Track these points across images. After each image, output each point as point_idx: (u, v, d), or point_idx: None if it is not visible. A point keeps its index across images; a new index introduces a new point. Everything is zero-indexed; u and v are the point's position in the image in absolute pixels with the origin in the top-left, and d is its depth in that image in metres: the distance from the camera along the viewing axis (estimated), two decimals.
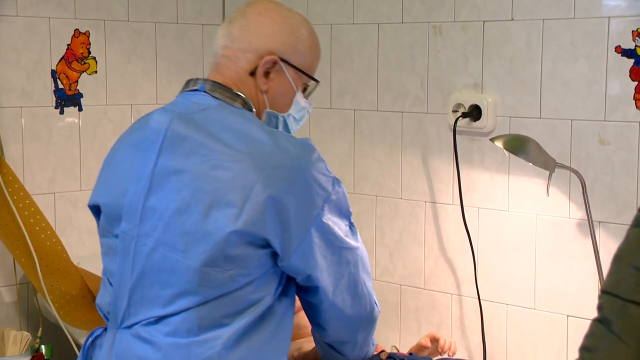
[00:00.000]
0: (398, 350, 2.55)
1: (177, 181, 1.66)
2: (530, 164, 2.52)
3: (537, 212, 2.71)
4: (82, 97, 3.01)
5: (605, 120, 2.56)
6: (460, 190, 2.79)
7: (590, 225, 2.52)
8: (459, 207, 2.80)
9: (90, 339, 1.86)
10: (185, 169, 1.67)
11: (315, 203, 1.67)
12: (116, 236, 1.76)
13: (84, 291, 2.78)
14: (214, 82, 1.80)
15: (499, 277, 2.80)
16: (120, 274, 1.74)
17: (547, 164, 2.52)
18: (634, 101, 2.51)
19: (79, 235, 3.02)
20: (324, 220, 1.69)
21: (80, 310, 2.78)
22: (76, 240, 3.00)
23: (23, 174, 2.88)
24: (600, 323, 1.08)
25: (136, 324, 1.71)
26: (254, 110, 1.80)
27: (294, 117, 1.86)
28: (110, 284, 1.79)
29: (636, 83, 2.50)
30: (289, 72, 1.81)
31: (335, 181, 1.74)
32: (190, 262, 1.63)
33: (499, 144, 2.53)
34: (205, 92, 1.79)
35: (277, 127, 1.84)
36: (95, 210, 1.86)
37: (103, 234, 1.84)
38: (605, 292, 1.08)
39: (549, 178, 2.52)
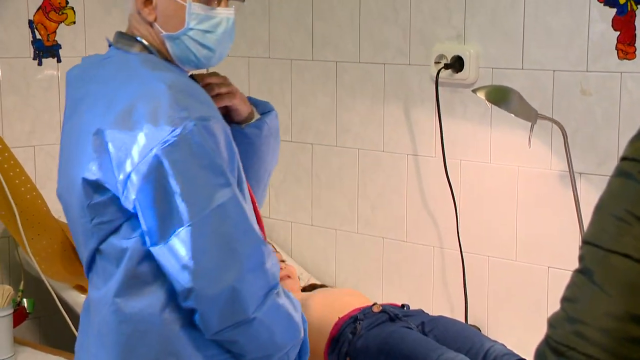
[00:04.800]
0: (380, 308, 2.56)
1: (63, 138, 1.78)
2: (513, 115, 2.51)
3: (519, 164, 2.71)
4: (61, 48, 2.97)
5: (587, 71, 2.55)
6: (443, 142, 2.78)
7: (571, 177, 2.52)
8: (441, 159, 2.80)
9: None
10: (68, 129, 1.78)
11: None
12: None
13: (65, 245, 2.77)
14: (119, 32, 1.77)
15: (480, 230, 2.81)
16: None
17: (529, 115, 2.51)
18: (616, 51, 2.50)
19: None
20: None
21: (62, 263, 2.77)
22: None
23: (2, 126, 2.85)
24: (582, 274, 1.06)
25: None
26: (154, 52, 1.73)
27: (200, 30, 1.72)
28: None
29: (618, 33, 2.49)
30: None
31: (186, 122, 1.60)
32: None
33: (481, 95, 2.52)
34: (111, 45, 1.78)
35: (187, 49, 1.73)
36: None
37: None
38: (586, 243, 1.07)
39: (531, 129, 2.51)
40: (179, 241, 1.57)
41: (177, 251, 1.57)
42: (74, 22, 2.99)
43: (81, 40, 3.01)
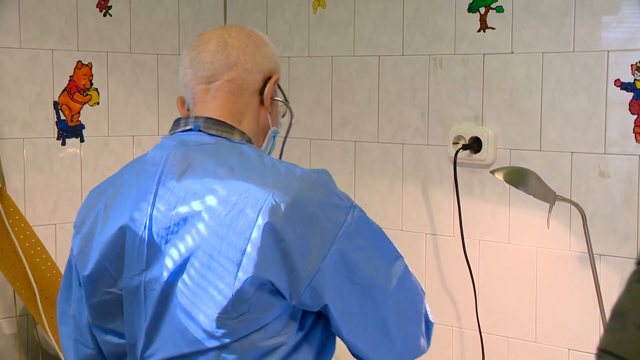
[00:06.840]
0: None
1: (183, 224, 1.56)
2: (531, 196, 2.52)
3: (538, 245, 2.70)
4: (84, 128, 3.02)
5: (605, 153, 2.57)
6: (461, 222, 2.79)
7: (590, 258, 2.52)
8: (460, 239, 2.80)
9: None
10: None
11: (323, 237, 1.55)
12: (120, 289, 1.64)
13: None
14: (207, 118, 1.69)
15: (500, 310, 2.79)
16: (131, 322, 1.63)
17: (547, 196, 2.52)
18: (634, 134, 2.52)
19: None
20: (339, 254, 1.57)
21: None
22: None
23: (24, 205, 2.88)
24: None
25: None
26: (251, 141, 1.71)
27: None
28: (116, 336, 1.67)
29: (635, 116, 2.51)
30: (278, 92, 1.79)
31: (352, 209, 1.62)
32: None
33: (499, 176, 2.53)
34: (200, 130, 1.68)
35: (273, 147, 1.80)
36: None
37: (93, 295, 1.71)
38: (606, 352, 0.98)
39: (550, 211, 2.52)
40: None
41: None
42: (98, 103, 3.05)
43: (104, 120, 3.07)
